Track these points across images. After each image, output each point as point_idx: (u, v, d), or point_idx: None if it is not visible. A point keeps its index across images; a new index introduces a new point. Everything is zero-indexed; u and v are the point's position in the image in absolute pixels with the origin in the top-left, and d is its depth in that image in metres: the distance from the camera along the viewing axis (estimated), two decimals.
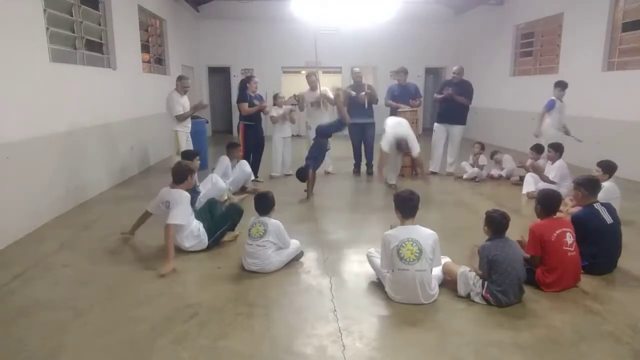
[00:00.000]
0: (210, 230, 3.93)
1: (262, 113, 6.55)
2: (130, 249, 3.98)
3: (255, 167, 6.47)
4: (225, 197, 5.32)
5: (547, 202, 3.23)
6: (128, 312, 2.85)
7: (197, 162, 4.95)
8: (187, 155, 5.02)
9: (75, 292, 3.13)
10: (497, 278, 2.87)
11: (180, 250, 3.80)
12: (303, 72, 13.82)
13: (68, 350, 2.44)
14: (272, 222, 3.52)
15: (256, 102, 6.43)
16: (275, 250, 3.47)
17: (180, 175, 3.81)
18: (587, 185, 3.52)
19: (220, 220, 4.06)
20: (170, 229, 3.54)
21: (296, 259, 3.66)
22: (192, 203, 4.14)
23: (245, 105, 6.33)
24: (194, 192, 4.50)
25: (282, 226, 3.54)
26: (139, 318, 2.76)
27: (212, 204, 4.29)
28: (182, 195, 3.70)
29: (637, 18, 6.98)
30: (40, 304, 2.95)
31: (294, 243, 3.66)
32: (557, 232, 3.09)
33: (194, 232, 3.82)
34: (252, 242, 3.43)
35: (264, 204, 3.59)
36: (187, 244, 3.81)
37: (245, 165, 5.92)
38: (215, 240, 3.96)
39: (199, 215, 4.04)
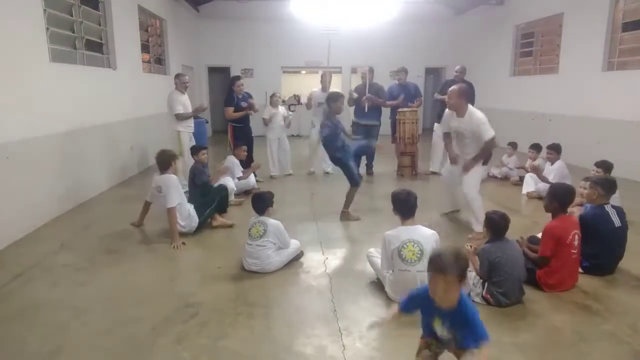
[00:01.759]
0: (199, 212, 4.32)
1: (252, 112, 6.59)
2: (130, 248, 3.98)
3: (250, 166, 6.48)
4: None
5: (563, 198, 3.18)
6: (128, 312, 2.85)
7: (203, 156, 5.11)
8: (194, 149, 5.23)
9: (75, 292, 3.13)
10: (498, 280, 2.86)
11: (181, 249, 3.81)
12: (303, 72, 13.90)
13: (68, 350, 2.44)
14: (272, 222, 3.52)
15: (243, 103, 6.46)
16: (276, 250, 3.47)
17: (164, 164, 4.19)
18: (605, 185, 3.49)
19: (207, 201, 4.46)
20: (171, 212, 4.00)
21: (296, 259, 3.66)
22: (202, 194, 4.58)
23: (230, 109, 6.36)
24: (202, 182, 4.77)
25: (282, 226, 3.55)
26: (139, 318, 2.76)
27: (204, 187, 4.64)
28: (170, 179, 4.08)
29: (637, 18, 6.97)
30: (40, 304, 2.96)
31: (294, 243, 3.66)
32: (572, 233, 3.08)
33: (185, 213, 4.21)
34: (252, 242, 3.43)
35: (261, 203, 3.61)
36: (183, 222, 4.19)
37: (250, 176, 5.98)
38: (204, 221, 4.36)
39: (191, 198, 4.52)
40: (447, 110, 4.41)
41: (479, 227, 4.10)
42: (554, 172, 5.49)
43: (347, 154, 4.73)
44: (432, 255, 1.87)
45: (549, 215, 3.26)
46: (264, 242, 3.41)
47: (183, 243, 3.98)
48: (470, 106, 4.29)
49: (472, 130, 4.21)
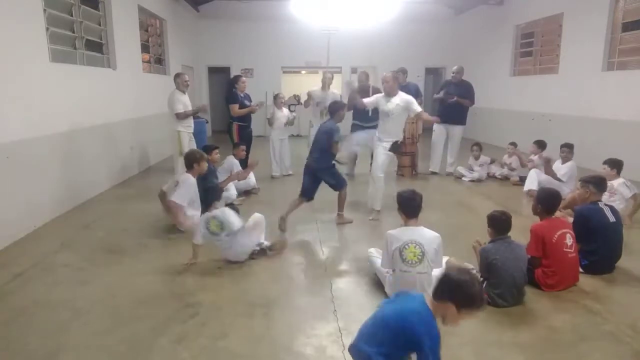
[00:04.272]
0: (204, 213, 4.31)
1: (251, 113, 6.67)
2: (131, 248, 3.98)
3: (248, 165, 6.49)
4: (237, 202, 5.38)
5: (548, 202, 3.24)
6: (128, 312, 2.85)
7: (216, 156, 5.15)
8: (206, 149, 5.21)
9: (75, 292, 3.13)
10: (494, 281, 2.87)
11: (181, 249, 3.82)
12: (303, 72, 13.89)
13: (68, 350, 2.44)
14: (218, 214, 3.57)
15: (246, 102, 6.53)
16: (241, 233, 3.58)
17: (187, 162, 4.31)
18: (597, 183, 3.56)
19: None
20: (171, 203, 4.13)
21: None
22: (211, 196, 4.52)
23: (236, 106, 6.42)
24: (211, 181, 4.76)
25: (226, 212, 3.59)
26: (139, 318, 2.76)
27: (212, 190, 4.60)
28: (187, 179, 4.19)
29: (637, 18, 6.98)
30: (40, 304, 2.96)
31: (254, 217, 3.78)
32: (558, 233, 3.10)
33: (192, 217, 4.23)
34: (218, 236, 3.55)
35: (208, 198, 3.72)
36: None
37: (250, 176, 5.97)
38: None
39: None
40: (379, 95, 5.02)
41: (378, 205, 4.96)
42: (564, 170, 5.50)
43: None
44: (479, 293, 1.77)
45: None
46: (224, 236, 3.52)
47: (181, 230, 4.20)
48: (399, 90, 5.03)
49: (402, 107, 4.82)
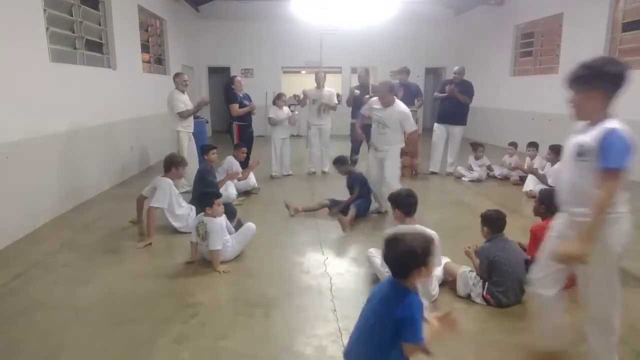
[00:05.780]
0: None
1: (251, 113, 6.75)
2: (130, 248, 3.98)
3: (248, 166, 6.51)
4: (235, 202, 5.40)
5: (551, 202, 3.22)
6: (128, 312, 2.85)
7: (213, 156, 5.19)
8: (204, 149, 5.30)
9: (75, 292, 3.13)
10: (498, 279, 2.87)
11: (181, 250, 3.82)
12: (303, 72, 13.89)
13: (68, 350, 2.45)
14: (210, 223, 3.48)
15: (245, 102, 6.64)
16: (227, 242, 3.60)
17: (166, 165, 4.31)
18: None
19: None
20: (150, 211, 4.09)
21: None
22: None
23: (236, 106, 6.54)
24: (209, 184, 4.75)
25: (217, 225, 3.47)
26: (139, 318, 2.77)
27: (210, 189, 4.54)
28: (164, 182, 4.18)
29: (637, 18, 6.97)
30: (40, 304, 2.96)
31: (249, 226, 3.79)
32: None
33: (184, 215, 4.35)
34: (202, 242, 3.56)
35: (203, 202, 3.62)
36: (176, 224, 4.33)
37: (250, 176, 5.98)
38: None
39: (194, 199, 4.46)
40: (374, 98, 4.80)
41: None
42: (552, 175, 5.48)
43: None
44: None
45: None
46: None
47: (150, 244, 4.01)
48: (396, 100, 4.68)
49: (394, 122, 4.60)
